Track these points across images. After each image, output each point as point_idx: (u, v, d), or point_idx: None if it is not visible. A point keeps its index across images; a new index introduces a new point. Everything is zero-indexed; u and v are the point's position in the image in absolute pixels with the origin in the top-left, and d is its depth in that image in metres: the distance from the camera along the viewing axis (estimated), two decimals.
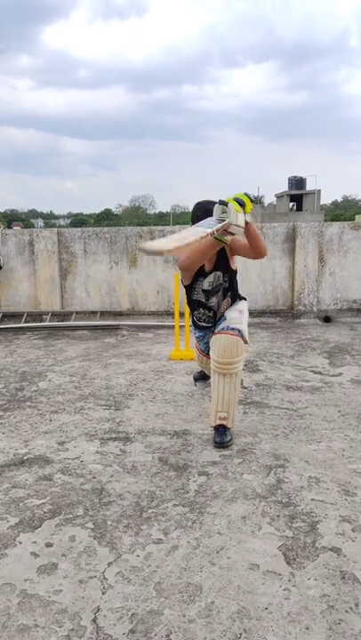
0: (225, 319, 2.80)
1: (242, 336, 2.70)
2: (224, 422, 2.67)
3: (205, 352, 3.04)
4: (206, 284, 2.83)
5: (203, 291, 2.86)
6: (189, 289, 2.91)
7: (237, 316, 2.80)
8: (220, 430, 2.68)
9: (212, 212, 2.50)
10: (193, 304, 2.94)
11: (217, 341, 2.68)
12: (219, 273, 2.81)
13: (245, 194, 2.49)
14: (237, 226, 2.42)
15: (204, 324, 2.95)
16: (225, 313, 2.86)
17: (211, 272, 2.82)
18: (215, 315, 2.89)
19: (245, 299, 3.01)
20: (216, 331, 2.78)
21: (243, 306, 2.92)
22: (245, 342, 2.72)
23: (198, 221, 2.55)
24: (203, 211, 2.69)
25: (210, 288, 2.83)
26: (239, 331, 2.70)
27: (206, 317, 2.91)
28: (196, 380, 3.66)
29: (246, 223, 2.47)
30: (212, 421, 2.71)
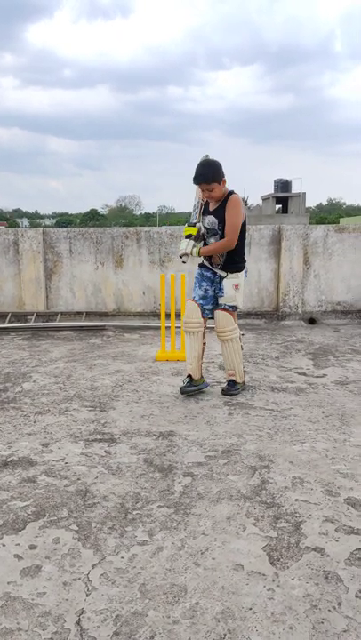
0: (223, 295, 3.45)
1: (235, 310, 3.48)
2: (233, 377, 3.51)
3: (197, 299, 3.50)
4: (207, 221, 3.44)
5: (205, 228, 3.46)
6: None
7: (232, 294, 3.43)
8: (230, 383, 3.52)
9: (197, 178, 3.29)
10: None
11: (216, 316, 3.45)
12: (214, 219, 3.38)
13: (191, 224, 3.44)
14: (183, 255, 3.39)
15: (205, 263, 3.52)
16: (224, 283, 3.43)
17: (211, 213, 3.40)
18: (210, 260, 3.47)
19: (246, 270, 3.52)
20: (219, 304, 3.49)
21: (240, 279, 3.45)
22: (237, 307, 3.50)
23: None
24: (194, 176, 3.31)
25: (209, 227, 3.43)
26: (234, 307, 3.46)
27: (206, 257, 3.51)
28: (184, 390, 3.48)
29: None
30: (226, 377, 3.57)
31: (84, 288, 6.53)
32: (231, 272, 3.42)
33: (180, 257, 3.40)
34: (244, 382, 3.60)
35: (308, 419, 3.04)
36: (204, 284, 3.49)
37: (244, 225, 3.37)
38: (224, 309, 3.42)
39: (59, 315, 6.41)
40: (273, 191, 44.27)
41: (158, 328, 5.80)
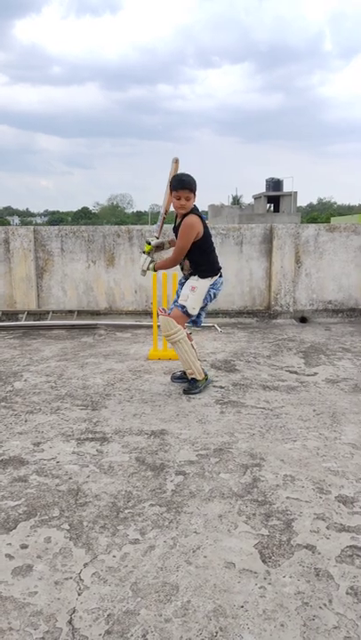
0: (178, 294, 3.59)
1: (185, 312, 3.45)
2: (193, 375, 3.54)
3: (174, 301, 3.67)
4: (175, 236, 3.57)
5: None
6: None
7: (186, 292, 3.49)
8: (192, 381, 3.55)
9: (183, 182, 3.34)
10: None
11: (161, 320, 3.47)
12: (175, 238, 3.56)
13: (148, 242, 3.70)
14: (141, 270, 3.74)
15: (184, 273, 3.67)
16: (184, 286, 3.54)
17: (175, 229, 3.54)
18: (182, 267, 3.62)
19: (213, 275, 3.56)
20: (173, 303, 3.62)
21: (198, 283, 3.49)
22: (188, 315, 3.48)
23: (172, 189, 3.38)
24: (176, 181, 3.38)
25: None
26: (182, 307, 3.46)
27: (183, 265, 3.63)
28: (175, 378, 3.74)
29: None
30: (188, 376, 3.59)
31: (75, 286, 6.51)
32: (194, 275, 3.52)
33: (141, 271, 3.72)
34: (205, 378, 3.63)
35: (300, 417, 3.05)
36: (179, 288, 3.68)
37: (207, 238, 3.47)
38: (166, 314, 3.47)
39: (50, 313, 6.38)
40: (265, 190, 44.37)
41: (150, 327, 5.80)
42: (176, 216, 3.55)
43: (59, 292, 6.51)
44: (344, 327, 6.05)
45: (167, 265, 3.56)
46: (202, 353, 4.56)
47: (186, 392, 3.49)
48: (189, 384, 3.55)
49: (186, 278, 3.62)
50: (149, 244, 3.69)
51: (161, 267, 3.62)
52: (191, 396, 3.46)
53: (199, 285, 3.48)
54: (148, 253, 3.69)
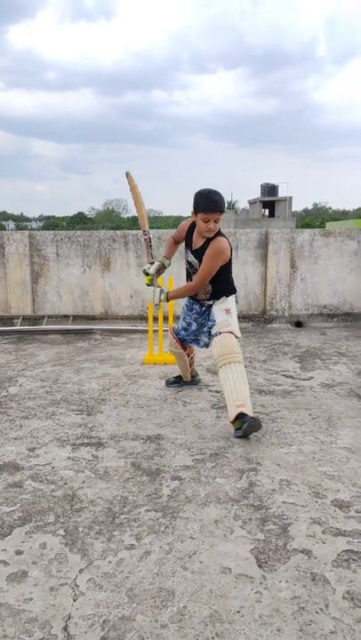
0: (215, 323, 3.08)
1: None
2: (242, 409, 2.74)
3: (180, 336, 3.40)
4: (190, 257, 3.16)
5: (187, 261, 3.21)
6: (176, 243, 3.34)
7: (225, 318, 3.06)
8: (244, 417, 2.72)
9: (216, 204, 2.88)
10: (186, 273, 3.30)
11: (216, 343, 2.96)
12: (195, 260, 3.11)
13: (145, 273, 3.27)
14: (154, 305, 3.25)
15: (192, 300, 3.28)
16: (214, 310, 3.11)
17: (194, 251, 3.11)
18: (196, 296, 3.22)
19: (235, 292, 3.20)
20: (212, 335, 3.07)
21: (229, 303, 3.12)
22: (237, 337, 3.02)
23: (199, 209, 2.90)
24: (206, 201, 2.90)
25: (191, 262, 3.17)
26: (230, 332, 3.00)
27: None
28: (169, 383, 3.73)
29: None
30: (232, 413, 2.76)
31: (70, 291, 6.50)
32: (217, 298, 3.13)
33: (154, 304, 3.25)
34: (194, 378, 3.72)
35: (295, 421, 3.06)
36: (188, 317, 3.31)
37: (229, 261, 3.08)
38: (226, 331, 2.99)
39: (45, 318, 6.36)
40: (260, 195, 44.57)
41: (146, 331, 5.79)
42: (190, 234, 3.12)
43: (54, 297, 6.50)
44: (339, 331, 6.07)
45: (185, 293, 3.14)
46: (198, 357, 4.55)
47: (251, 430, 2.72)
48: (246, 422, 2.72)
49: (198, 303, 3.22)
50: (147, 274, 3.25)
51: (177, 295, 3.19)
52: (187, 400, 3.45)
53: (231, 306, 3.11)
54: (151, 283, 3.26)
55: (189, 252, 3.15)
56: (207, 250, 2.98)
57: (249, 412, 2.74)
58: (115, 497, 2.16)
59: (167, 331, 3.81)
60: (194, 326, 3.31)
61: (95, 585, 1.62)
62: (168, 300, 3.20)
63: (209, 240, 2.99)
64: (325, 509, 2.06)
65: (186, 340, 3.41)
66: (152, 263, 3.30)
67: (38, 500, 2.15)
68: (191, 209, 2.98)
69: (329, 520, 1.98)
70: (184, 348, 3.48)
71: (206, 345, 3.28)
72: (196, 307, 3.26)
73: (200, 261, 3.04)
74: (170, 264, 3.34)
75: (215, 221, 2.90)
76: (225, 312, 3.07)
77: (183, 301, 3.43)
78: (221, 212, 2.90)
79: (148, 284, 3.26)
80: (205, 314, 3.20)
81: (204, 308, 3.21)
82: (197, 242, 3.06)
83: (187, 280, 3.27)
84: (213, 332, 3.05)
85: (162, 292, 3.18)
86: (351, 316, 6.57)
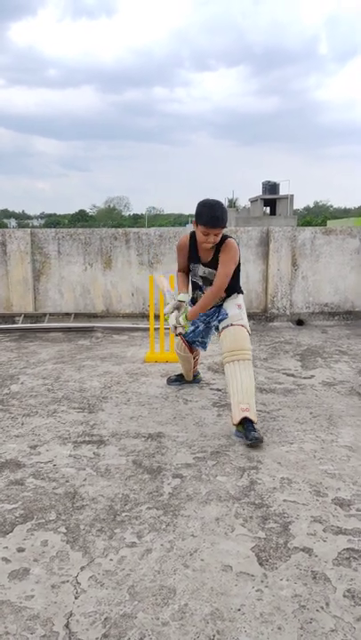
0: (227, 316, 3.03)
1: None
2: (247, 414, 2.69)
3: (189, 340, 3.33)
4: (201, 271, 3.11)
5: (200, 277, 3.15)
6: (189, 271, 3.22)
7: (238, 312, 3.01)
8: (249, 427, 2.68)
9: (217, 220, 2.78)
10: (192, 284, 3.24)
11: (227, 334, 2.92)
12: (212, 270, 3.03)
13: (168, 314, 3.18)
14: (175, 326, 3.13)
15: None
16: (225, 306, 3.07)
17: (207, 264, 3.05)
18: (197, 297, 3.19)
19: (243, 292, 3.19)
20: (222, 327, 3.01)
21: (240, 300, 3.11)
22: (248, 333, 2.99)
23: (200, 221, 2.81)
24: (208, 217, 2.79)
25: (204, 276, 3.11)
26: (242, 326, 2.96)
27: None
28: (171, 381, 3.74)
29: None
30: (236, 417, 2.71)
31: (72, 289, 6.50)
32: (229, 296, 3.08)
33: (176, 333, 3.15)
34: (196, 377, 3.74)
35: (296, 419, 3.06)
36: (196, 322, 3.25)
37: (238, 264, 3.04)
38: (238, 324, 2.94)
39: (47, 316, 6.37)
40: (261, 193, 44.51)
41: (147, 329, 5.80)
42: (194, 250, 3.06)
43: (56, 295, 6.51)
44: (340, 330, 6.07)
45: (209, 303, 3.01)
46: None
47: (256, 441, 2.63)
48: (251, 429, 2.67)
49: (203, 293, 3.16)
50: (167, 318, 3.19)
51: (201, 309, 3.05)
52: (189, 399, 3.46)
53: (242, 302, 3.08)
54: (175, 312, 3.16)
55: (200, 267, 3.08)
56: (222, 255, 2.93)
57: (253, 416, 2.72)
58: (116, 495, 2.17)
59: (168, 329, 3.82)
60: (201, 327, 3.25)
61: (97, 582, 1.63)
62: (188, 319, 3.10)
63: (218, 247, 2.94)
64: (326, 508, 2.06)
65: (194, 342, 3.36)
66: (175, 299, 3.20)
67: (40, 497, 2.15)
68: (192, 218, 2.98)
69: (330, 518, 1.98)
70: (191, 351, 3.45)
71: (201, 343, 3.34)
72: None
73: (215, 268, 2.99)
74: (190, 294, 3.22)
75: (215, 235, 2.83)
76: (237, 307, 3.04)
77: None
78: (222, 227, 2.82)
79: (166, 319, 3.21)
80: (214, 312, 3.14)
81: (213, 309, 3.14)
82: (206, 255, 3.01)
83: (194, 292, 3.21)
84: (224, 324, 2.99)
85: (182, 312, 3.12)
86: (352, 314, 6.56)
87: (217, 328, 3.10)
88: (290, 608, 1.52)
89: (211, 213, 2.78)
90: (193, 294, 3.25)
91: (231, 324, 2.95)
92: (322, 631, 1.43)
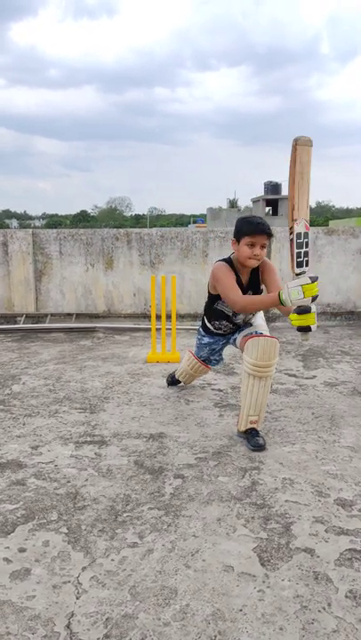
0: (250, 326, 2.84)
1: None
2: (255, 425, 2.70)
3: (204, 359, 3.27)
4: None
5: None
6: (215, 298, 2.86)
7: (263, 323, 2.86)
8: (254, 433, 2.69)
9: (260, 225, 2.60)
10: (215, 313, 2.92)
11: (255, 344, 2.61)
12: (251, 293, 2.80)
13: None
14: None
15: (221, 333, 3.02)
16: (253, 318, 2.90)
17: (248, 287, 2.80)
18: (237, 327, 2.94)
19: None
20: (247, 335, 2.73)
21: (262, 312, 2.96)
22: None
23: (242, 233, 2.62)
24: (248, 223, 2.64)
25: None
26: (274, 337, 2.69)
27: (227, 329, 2.97)
28: (169, 384, 3.72)
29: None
30: (242, 426, 2.70)
31: (74, 289, 6.51)
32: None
33: (304, 339, 2.62)
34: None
35: (298, 420, 3.05)
36: (209, 346, 3.14)
37: None
38: (267, 335, 2.69)
39: (48, 316, 6.38)
40: (263, 193, 44.48)
41: (149, 330, 5.80)
42: (237, 275, 2.74)
43: (57, 295, 6.51)
44: (343, 330, 6.06)
45: (262, 307, 2.72)
46: None
47: (260, 448, 2.61)
48: (256, 436, 2.66)
49: (231, 323, 2.93)
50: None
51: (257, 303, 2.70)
52: (190, 399, 3.45)
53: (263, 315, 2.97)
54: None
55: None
56: (269, 275, 2.75)
57: (259, 426, 2.73)
58: (117, 495, 2.17)
59: (170, 329, 3.79)
60: (220, 345, 3.13)
61: (98, 583, 1.63)
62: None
63: (254, 270, 2.76)
64: (328, 508, 2.06)
65: (210, 361, 3.27)
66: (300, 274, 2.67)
67: (41, 497, 2.15)
68: (231, 237, 2.76)
69: (332, 519, 1.98)
70: (207, 366, 3.36)
71: (217, 360, 3.26)
72: (219, 338, 3.07)
73: (255, 291, 2.82)
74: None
75: (262, 246, 2.61)
76: (262, 319, 2.90)
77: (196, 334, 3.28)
78: (269, 235, 2.62)
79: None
80: (235, 331, 2.96)
81: (235, 328, 2.96)
82: (244, 279, 2.78)
83: (220, 321, 2.94)
84: (250, 331, 2.77)
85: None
86: (355, 314, 6.55)
87: (235, 339, 2.94)
88: (292, 609, 1.51)
89: (253, 221, 2.62)
90: (218, 323, 2.96)
91: (262, 334, 2.68)
92: (324, 632, 1.43)
